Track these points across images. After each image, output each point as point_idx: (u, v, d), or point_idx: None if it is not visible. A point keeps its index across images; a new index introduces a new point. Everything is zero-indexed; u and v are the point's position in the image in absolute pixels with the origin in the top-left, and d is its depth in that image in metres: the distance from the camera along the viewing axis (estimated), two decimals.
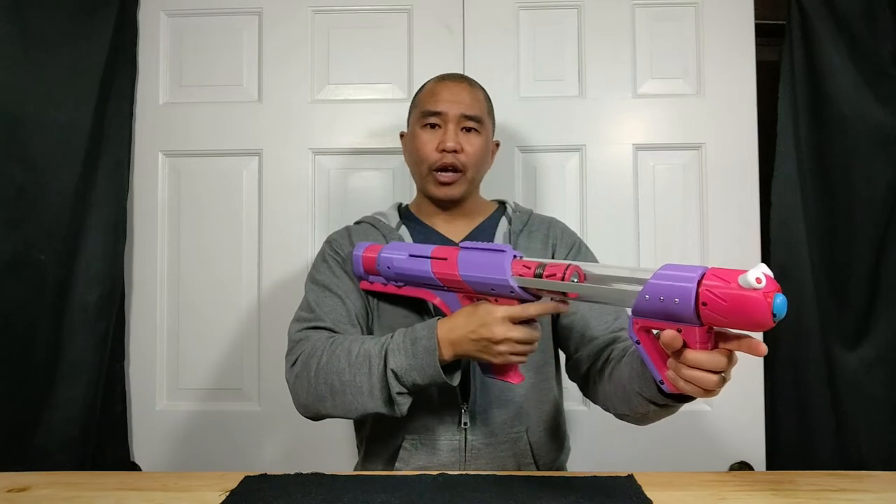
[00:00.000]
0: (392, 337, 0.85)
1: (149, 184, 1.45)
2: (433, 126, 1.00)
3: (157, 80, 1.46)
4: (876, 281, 1.38)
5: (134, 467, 1.41)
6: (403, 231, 1.05)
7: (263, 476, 0.79)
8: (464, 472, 0.81)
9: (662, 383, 0.65)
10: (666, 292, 0.59)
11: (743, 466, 1.37)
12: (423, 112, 1.01)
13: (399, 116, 1.23)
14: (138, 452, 1.43)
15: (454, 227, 1.05)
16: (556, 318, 1.01)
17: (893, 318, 1.37)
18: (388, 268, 0.90)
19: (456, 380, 0.84)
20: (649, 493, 0.72)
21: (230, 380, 1.43)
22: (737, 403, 1.38)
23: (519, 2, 1.45)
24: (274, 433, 1.41)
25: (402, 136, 1.10)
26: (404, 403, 0.84)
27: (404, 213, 1.10)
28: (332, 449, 1.43)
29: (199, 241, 1.44)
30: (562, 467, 1.02)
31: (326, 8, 1.46)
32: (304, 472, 0.80)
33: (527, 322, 0.78)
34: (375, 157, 1.44)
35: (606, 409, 0.89)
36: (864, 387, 1.38)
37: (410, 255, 0.87)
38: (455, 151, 0.98)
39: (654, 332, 0.64)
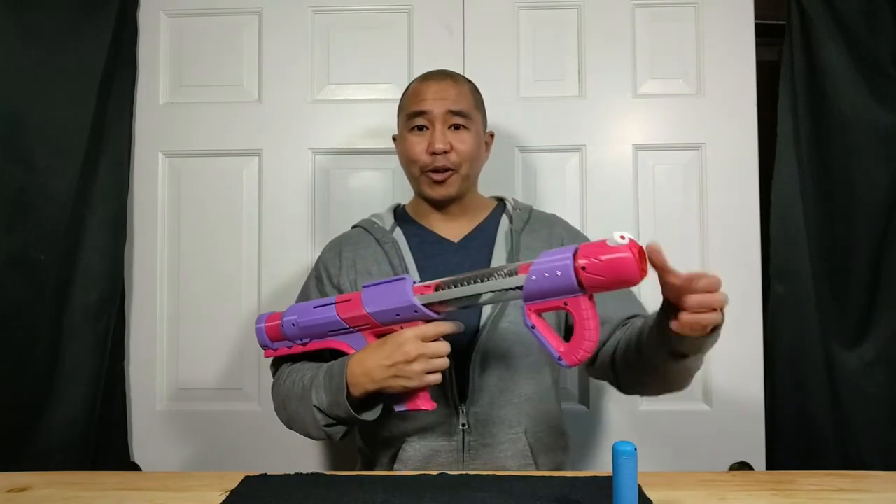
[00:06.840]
0: (319, 371, 0.89)
1: (149, 184, 1.45)
2: (421, 128, 0.99)
3: (157, 80, 1.46)
4: (876, 281, 1.38)
5: (134, 467, 1.41)
6: (398, 233, 1.04)
7: (263, 476, 0.79)
8: (464, 473, 0.81)
9: (560, 359, 0.71)
10: (548, 269, 0.69)
11: (743, 466, 1.37)
12: (409, 114, 1.00)
13: None
14: (138, 452, 1.43)
15: (452, 227, 1.04)
16: (566, 326, 1.02)
17: (893, 318, 1.37)
18: (293, 325, 0.91)
19: (373, 415, 0.86)
20: (649, 493, 0.72)
21: (230, 380, 1.43)
22: (737, 403, 1.38)
23: (519, 2, 1.45)
24: (274, 433, 1.40)
25: (394, 139, 1.09)
26: (336, 433, 0.88)
27: (400, 214, 1.09)
28: (332, 449, 1.43)
29: (199, 241, 1.44)
30: (562, 467, 1.02)
31: (326, 8, 1.46)
32: (304, 472, 0.80)
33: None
34: (375, 157, 1.44)
35: (646, 392, 0.92)
36: (864, 387, 1.37)
37: (315, 307, 0.90)
38: (445, 152, 0.97)
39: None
